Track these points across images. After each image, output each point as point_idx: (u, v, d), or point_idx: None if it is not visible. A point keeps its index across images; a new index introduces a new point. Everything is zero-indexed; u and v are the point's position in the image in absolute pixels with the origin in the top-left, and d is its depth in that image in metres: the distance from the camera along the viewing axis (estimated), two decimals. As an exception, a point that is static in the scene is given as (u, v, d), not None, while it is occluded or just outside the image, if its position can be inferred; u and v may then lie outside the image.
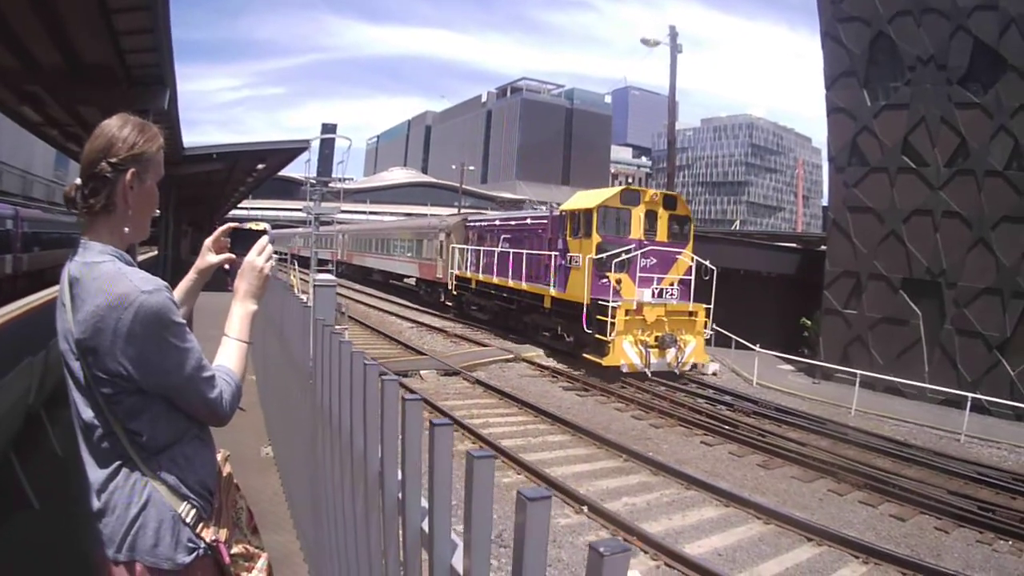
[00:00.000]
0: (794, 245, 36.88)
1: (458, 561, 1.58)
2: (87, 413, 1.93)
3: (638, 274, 19.93)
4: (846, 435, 15.42)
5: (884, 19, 24.42)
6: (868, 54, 25.18)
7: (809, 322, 29.20)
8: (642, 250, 20.03)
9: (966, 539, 10.19)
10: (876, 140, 24.63)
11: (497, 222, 28.47)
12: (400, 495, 1.92)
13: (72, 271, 1.95)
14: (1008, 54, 21.05)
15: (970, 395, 17.48)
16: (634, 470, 12.03)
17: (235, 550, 2.16)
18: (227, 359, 2.17)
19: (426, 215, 71.46)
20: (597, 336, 18.89)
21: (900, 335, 23.45)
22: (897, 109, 24.03)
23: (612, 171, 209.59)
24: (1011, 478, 13.09)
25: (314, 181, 27.50)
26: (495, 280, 25.89)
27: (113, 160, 1.98)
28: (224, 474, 2.28)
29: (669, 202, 21.18)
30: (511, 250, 24.77)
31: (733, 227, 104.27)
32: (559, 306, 21.53)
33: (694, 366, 20.52)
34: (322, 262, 43.75)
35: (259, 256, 2.38)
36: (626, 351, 18.80)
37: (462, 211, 55.26)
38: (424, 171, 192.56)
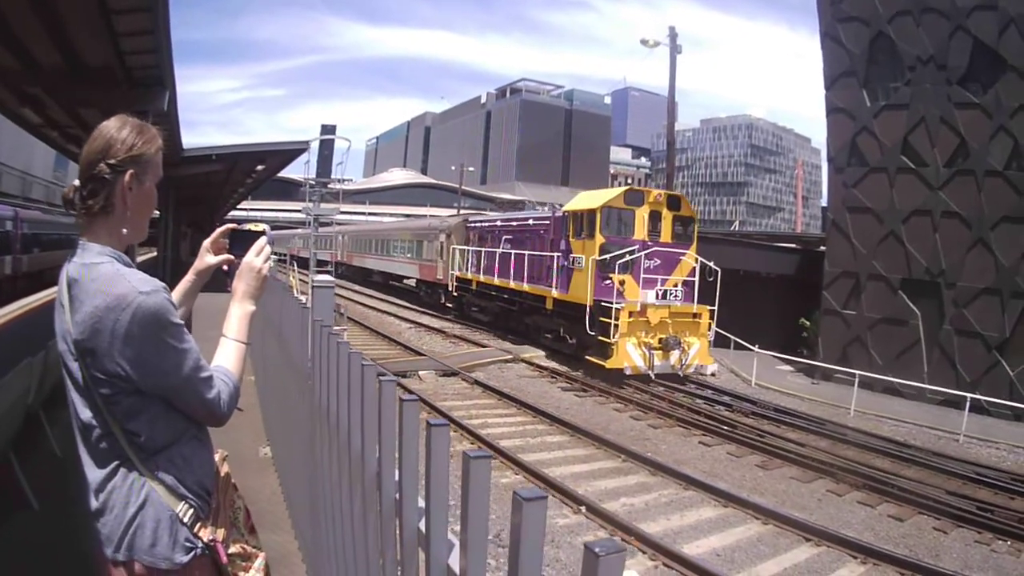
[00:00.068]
0: (793, 245, 36.90)
1: (455, 561, 1.59)
2: (85, 413, 1.94)
3: (642, 275, 19.69)
4: (845, 435, 15.41)
5: (884, 19, 24.43)
6: (868, 54, 25.18)
7: (808, 322, 29.20)
8: (646, 251, 19.82)
9: (964, 539, 10.19)
10: (875, 140, 24.63)
11: (498, 223, 28.25)
12: (397, 495, 1.93)
13: (70, 272, 1.96)
14: (1008, 54, 21.05)
15: (969, 395, 17.47)
16: (632, 470, 12.03)
17: (232, 550, 2.16)
18: (225, 360, 2.18)
19: (425, 216, 71.43)
20: (600, 338, 18.76)
21: (899, 335, 23.46)
22: (897, 109, 24.04)
23: (611, 172, 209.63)
24: (1010, 478, 13.08)
25: (313, 182, 27.47)
26: (496, 281, 25.68)
27: (112, 162, 1.99)
28: (222, 474, 2.29)
29: (673, 203, 20.93)
30: (512, 251, 24.59)
31: (732, 227, 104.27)
32: (561, 308, 21.33)
33: (699, 369, 20.34)
34: (321, 263, 43.76)
35: (257, 257, 2.38)
36: (629, 353, 18.62)
37: (461, 212, 55.17)
38: (423, 172, 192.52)
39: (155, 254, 33.43)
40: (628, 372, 18.67)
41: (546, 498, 1.26)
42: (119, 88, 13.86)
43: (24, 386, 6.28)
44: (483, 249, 27.68)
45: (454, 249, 30.56)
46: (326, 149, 28.25)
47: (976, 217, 21.66)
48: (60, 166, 52.53)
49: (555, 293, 21.43)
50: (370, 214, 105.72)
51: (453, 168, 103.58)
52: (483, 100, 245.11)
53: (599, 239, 19.56)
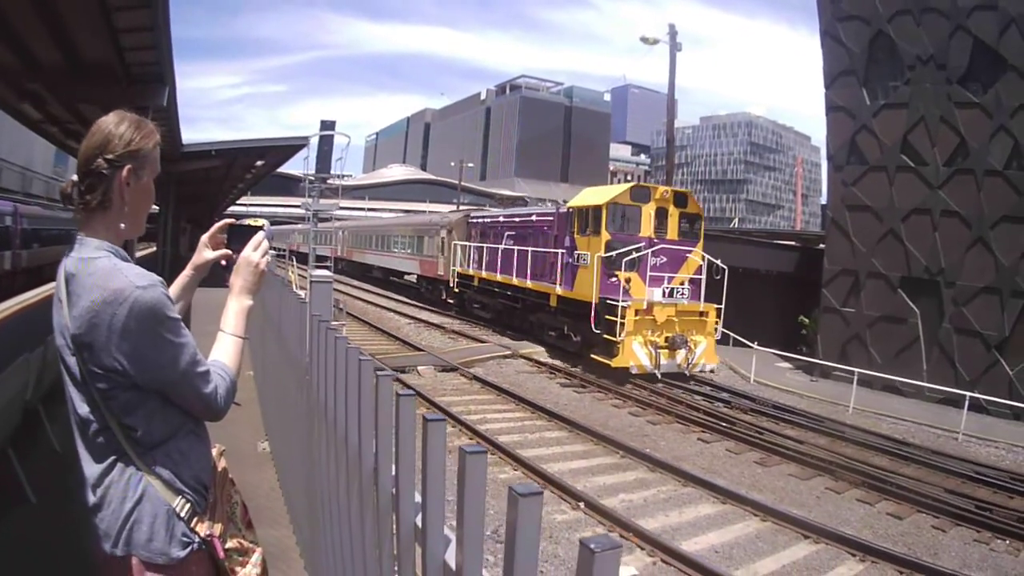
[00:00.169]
0: (793, 243, 36.94)
1: (451, 557, 1.59)
2: (83, 408, 1.94)
3: (648, 273, 19.40)
4: (844, 433, 15.42)
5: (884, 18, 24.43)
6: (868, 53, 25.19)
7: (807, 320, 29.22)
8: (652, 248, 19.57)
9: (963, 538, 10.20)
10: (875, 139, 24.65)
11: (501, 219, 27.93)
12: (394, 490, 1.93)
13: (68, 267, 1.96)
14: (1008, 54, 21.05)
15: (968, 394, 17.50)
16: (631, 466, 12.04)
17: (229, 545, 2.16)
18: (222, 354, 2.18)
19: (425, 212, 71.36)
20: (606, 336, 18.50)
21: (898, 333, 23.48)
22: (896, 108, 24.05)
23: (611, 169, 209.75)
24: (1008, 477, 13.11)
25: (312, 178, 27.46)
26: (499, 278, 25.41)
27: (109, 156, 1.99)
28: (219, 469, 2.29)
29: (680, 199, 20.67)
30: (516, 247, 24.28)
31: (732, 225, 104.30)
32: (566, 305, 21.12)
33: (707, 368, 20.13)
34: (321, 259, 43.67)
35: (255, 252, 2.38)
36: (636, 352, 18.42)
37: (461, 208, 55.08)
38: (423, 168, 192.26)
39: (154, 249, 33.42)
40: (634, 371, 18.49)
41: (542, 493, 1.25)
42: (119, 84, 13.86)
43: (23, 382, 6.28)
44: (485, 245, 27.40)
45: (455, 245, 30.32)
46: (326, 145, 28.20)
47: (976, 216, 21.67)
48: (60, 162, 52.50)
49: (559, 290, 21.18)
50: (369, 210, 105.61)
51: (452, 164, 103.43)
52: (483, 97, 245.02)
53: (605, 236, 19.32)
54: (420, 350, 20.88)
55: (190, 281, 2.58)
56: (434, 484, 1.65)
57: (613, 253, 19.04)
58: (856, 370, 19.54)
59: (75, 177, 2.03)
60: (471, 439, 12.45)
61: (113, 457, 1.95)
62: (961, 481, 12.70)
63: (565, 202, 23.50)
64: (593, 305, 18.89)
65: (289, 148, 27.18)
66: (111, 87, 13.70)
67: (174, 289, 2.46)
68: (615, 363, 18.25)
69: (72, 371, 1.94)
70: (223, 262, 2.51)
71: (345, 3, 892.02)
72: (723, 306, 19.65)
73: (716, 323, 19.72)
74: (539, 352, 21.99)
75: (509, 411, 15.15)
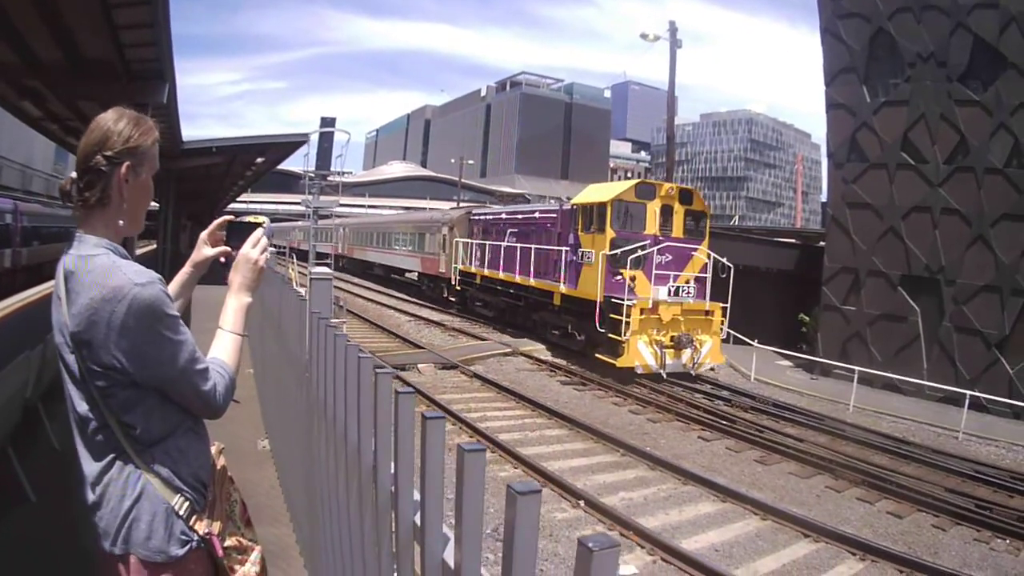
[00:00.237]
0: (793, 241, 36.95)
1: (449, 555, 1.59)
2: (82, 406, 1.94)
3: (654, 271, 19.25)
4: (844, 431, 15.42)
5: (884, 16, 24.40)
6: (868, 51, 25.16)
7: (808, 318, 29.21)
8: (658, 246, 19.39)
9: (963, 537, 10.21)
10: (875, 136, 24.62)
11: (503, 215, 27.72)
12: (393, 489, 1.92)
13: (67, 264, 1.96)
14: (1008, 52, 21.03)
15: (968, 392, 17.48)
16: (631, 465, 12.05)
17: (228, 543, 2.16)
18: (221, 352, 2.18)
19: (425, 208, 71.29)
20: (610, 336, 18.36)
21: (899, 332, 23.47)
22: (897, 106, 24.03)
23: (611, 166, 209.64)
24: (1008, 476, 13.11)
25: (312, 175, 27.43)
26: (501, 275, 25.20)
27: (108, 153, 1.99)
28: (218, 467, 2.28)
29: (685, 197, 20.52)
30: (518, 245, 24.06)
31: (732, 222, 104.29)
32: (570, 303, 20.96)
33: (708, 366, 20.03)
34: (322, 256, 43.60)
35: (254, 249, 2.38)
36: (641, 352, 18.28)
37: (462, 204, 54.97)
38: (423, 165, 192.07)
39: (154, 247, 33.39)
40: (639, 371, 18.37)
41: (540, 492, 1.25)
42: (119, 81, 13.82)
43: (22, 380, 6.27)
44: (488, 242, 27.20)
45: (457, 242, 30.11)
46: (326, 142, 28.15)
47: (976, 214, 21.66)
48: (60, 159, 52.53)
49: (563, 288, 21.01)
50: (369, 206, 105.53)
51: (453, 161, 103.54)
52: (483, 93, 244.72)
53: (609, 233, 19.14)
54: (420, 348, 20.89)
55: (189, 278, 2.58)
56: (433, 482, 1.65)
57: (618, 251, 18.85)
58: (856, 368, 19.53)
59: (74, 174, 2.03)
60: (471, 437, 12.47)
61: (112, 455, 1.95)
62: (961, 480, 12.71)
63: (568, 199, 23.28)
64: (597, 304, 18.70)
65: (289, 145, 27.14)
66: (111, 84, 13.66)
67: (173, 286, 2.46)
68: (620, 363, 18.10)
69: (71, 369, 1.94)
70: (222, 259, 2.51)
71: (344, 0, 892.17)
72: (729, 305, 19.51)
73: (722, 322, 19.59)
74: (539, 350, 21.98)
75: (509, 409, 15.15)
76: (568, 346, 21.55)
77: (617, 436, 13.24)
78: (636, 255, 18.78)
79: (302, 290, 4.62)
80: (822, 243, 27.84)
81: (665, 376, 18.53)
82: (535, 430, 13.70)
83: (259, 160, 30.04)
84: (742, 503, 10.41)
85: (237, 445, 6.71)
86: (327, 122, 27.80)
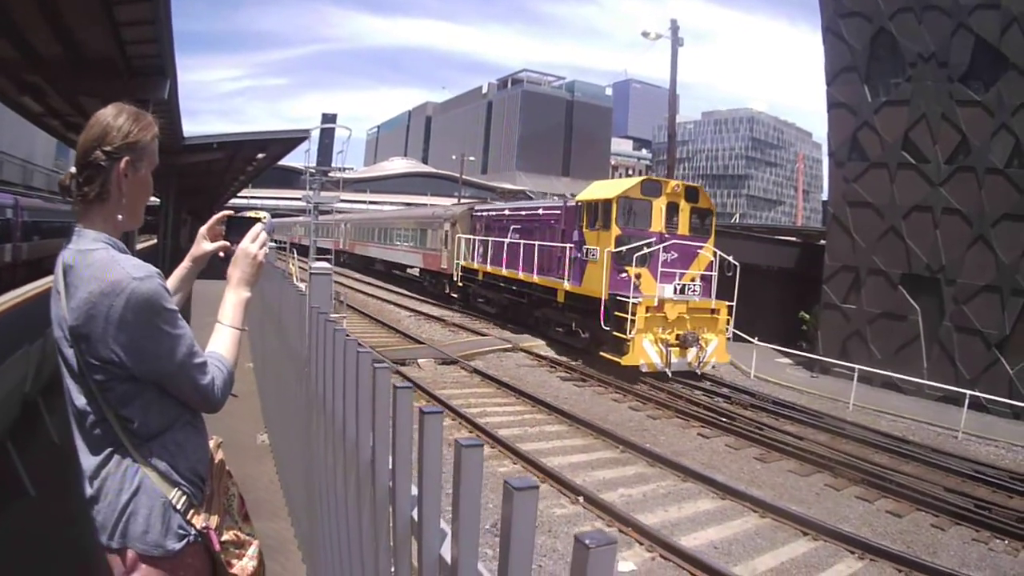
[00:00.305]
0: (794, 239, 36.88)
1: (446, 550, 1.59)
2: (80, 400, 1.94)
3: (659, 269, 18.87)
4: (843, 430, 15.42)
5: (885, 15, 24.35)
6: (869, 50, 25.11)
7: (808, 316, 29.17)
8: (663, 244, 19.09)
9: (962, 537, 10.20)
10: (876, 136, 24.58)
11: (506, 212, 27.50)
12: (391, 483, 1.92)
13: (66, 259, 1.96)
14: (1009, 52, 20.98)
15: (968, 392, 17.48)
16: (631, 461, 12.05)
17: (226, 537, 2.16)
18: (219, 346, 2.18)
19: (426, 205, 71.23)
20: (615, 334, 18.18)
21: (899, 331, 23.45)
22: (898, 105, 23.98)
23: (612, 163, 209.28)
24: (1008, 476, 13.11)
25: (314, 171, 27.45)
26: (504, 272, 25.02)
27: (108, 148, 1.99)
28: (216, 461, 2.28)
29: (691, 194, 20.22)
30: (522, 241, 23.93)
31: (732, 220, 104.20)
32: (574, 301, 20.75)
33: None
34: (323, 251, 43.61)
35: (253, 243, 2.38)
36: (646, 350, 18.06)
37: (463, 201, 54.87)
38: (424, 161, 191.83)
39: (155, 242, 33.41)
40: (644, 369, 18.22)
41: (537, 488, 1.25)
42: (120, 77, 13.84)
43: (22, 374, 6.29)
44: (490, 239, 26.96)
45: (459, 238, 29.93)
46: (327, 138, 28.21)
47: (977, 214, 21.62)
48: (61, 155, 52.54)
49: (567, 286, 20.82)
50: (370, 203, 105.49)
51: (454, 158, 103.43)
52: (484, 90, 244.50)
53: (615, 230, 18.95)
54: (420, 343, 20.87)
55: (188, 273, 2.59)
56: (430, 478, 1.65)
57: (623, 248, 18.66)
58: (856, 367, 19.52)
59: (73, 169, 2.03)
60: (471, 432, 12.45)
61: (110, 449, 1.95)
62: (960, 480, 12.71)
63: (572, 195, 22.98)
64: (602, 301, 18.57)
65: (290, 141, 27.17)
66: (112, 80, 13.67)
67: (172, 281, 2.47)
68: (625, 361, 17.96)
69: (70, 363, 1.94)
70: (221, 254, 2.51)
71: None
72: (735, 303, 19.38)
73: (728, 320, 19.44)
74: (539, 346, 21.97)
75: (509, 404, 15.15)
76: (572, 344, 21.38)
77: (617, 432, 13.23)
78: (642, 252, 18.58)
79: (302, 285, 4.62)
80: (823, 241, 27.79)
81: (670, 375, 18.39)
82: (535, 426, 13.70)
83: (260, 156, 30.08)
84: (741, 500, 10.41)
85: (237, 439, 6.72)
86: (328, 118, 27.87)
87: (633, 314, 17.69)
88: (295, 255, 34.79)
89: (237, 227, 2.49)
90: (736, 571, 8.15)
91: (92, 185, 2.00)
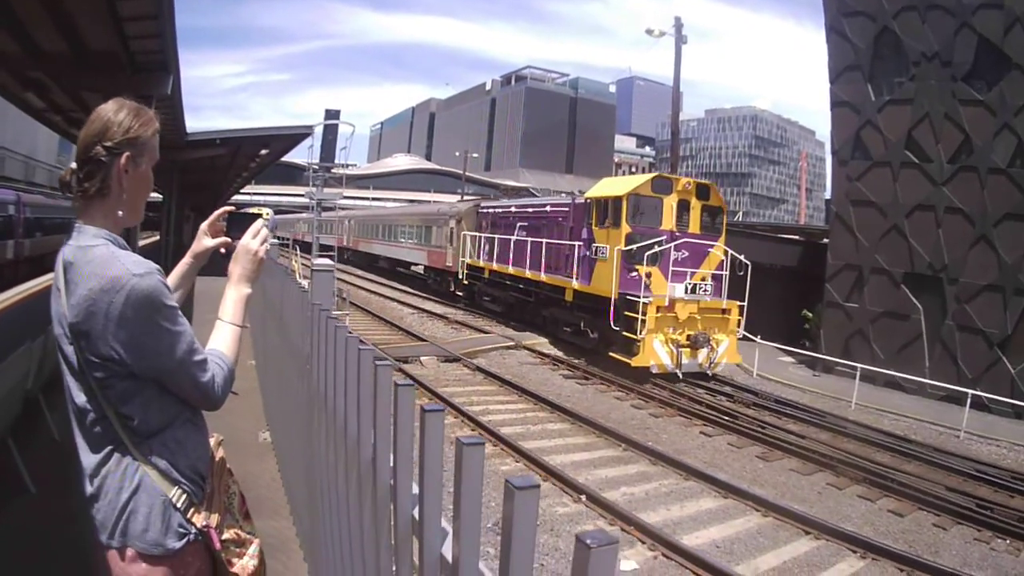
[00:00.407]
0: (796, 237, 36.82)
1: (447, 549, 1.58)
2: (80, 398, 1.93)
3: (670, 268, 18.60)
4: (846, 429, 15.41)
5: (889, 14, 24.32)
6: (873, 49, 25.07)
7: (810, 314, 29.14)
8: (674, 242, 18.84)
9: (964, 536, 10.20)
10: (880, 135, 24.55)
11: (513, 209, 27.07)
12: (392, 482, 1.92)
13: (67, 255, 1.96)
14: (1013, 52, 20.94)
15: (970, 392, 17.46)
16: (633, 459, 12.06)
17: (226, 536, 2.15)
18: (220, 343, 2.17)
19: (430, 201, 71.20)
20: (625, 334, 17.88)
21: (901, 330, 23.43)
22: (901, 104, 23.95)
23: (616, 160, 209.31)
24: (1010, 476, 13.09)
25: (317, 167, 27.46)
26: (511, 270, 24.77)
27: (108, 144, 1.99)
28: (217, 459, 2.28)
29: (702, 191, 19.90)
30: (529, 239, 23.57)
31: (736, 218, 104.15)
32: (582, 300, 20.45)
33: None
34: (326, 248, 43.62)
35: (254, 239, 2.37)
36: (657, 351, 17.77)
37: (467, 197, 54.81)
38: (428, 158, 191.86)
39: (158, 238, 33.43)
40: (655, 371, 17.98)
41: (539, 487, 1.25)
42: (123, 73, 13.82)
43: (23, 371, 6.28)
44: (496, 236, 26.69)
45: (465, 235, 29.68)
46: (330, 134, 28.35)
47: (979, 214, 21.59)
48: (64, 151, 52.53)
49: (576, 284, 20.51)
50: (373, 199, 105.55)
51: (457, 154, 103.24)
52: (488, 87, 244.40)
53: (625, 228, 18.62)
54: (423, 340, 20.88)
55: (189, 269, 2.58)
56: (432, 476, 1.64)
57: (633, 246, 18.41)
58: (859, 366, 19.50)
59: (74, 165, 2.03)
60: (473, 430, 12.47)
61: (110, 447, 1.94)
62: (962, 479, 12.70)
63: (581, 192, 22.74)
64: (612, 301, 18.22)
65: (293, 137, 27.14)
66: (115, 75, 13.66)
67: (173, 277, 2.46)
68: (635, 362, 17.67)
69: (70, 360, 1.94)
70: (222, 250, 2.51)
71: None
72: (746, 303, 19.14)
73: (739, 320, 19.20)
74: (542, 343, 21.95)
75: (512, 402, 15.16)
76: (580, 344, 21.06)
77: (619, 431, 13.24)
78: (652, 251, 18.29)
79: (304, 282, 4.61)
80: (826, 240, 27.77)
81: (681, 376, 18.17)
82: (537, 424, 13.71)
83: (263, 152, 30.02)
84: (743, 499, 10.42)
85: (238, 437, 6.72)
86: (332, 115, 27.94)
87: (643, 314, 17.41)
88: (298, 251, 34.81)
89: (238, 223, 2.48)
90: (738, 570, 8.15)
91: (92, 181, 1.99)
